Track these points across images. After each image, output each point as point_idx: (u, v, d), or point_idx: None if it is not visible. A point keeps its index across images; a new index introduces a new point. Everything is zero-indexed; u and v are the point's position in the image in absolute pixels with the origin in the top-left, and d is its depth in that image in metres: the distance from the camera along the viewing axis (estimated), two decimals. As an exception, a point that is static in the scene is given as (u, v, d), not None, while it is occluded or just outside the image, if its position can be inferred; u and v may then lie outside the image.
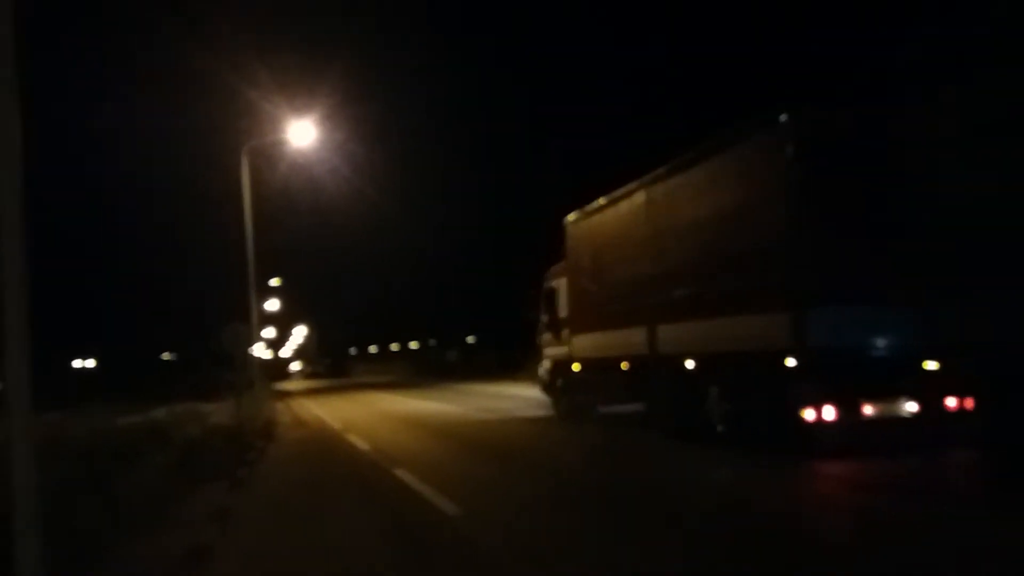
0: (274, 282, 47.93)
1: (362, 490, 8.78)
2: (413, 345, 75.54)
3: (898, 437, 8.65)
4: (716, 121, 13.05)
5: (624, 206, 12.78)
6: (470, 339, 60.27)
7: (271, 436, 14.98)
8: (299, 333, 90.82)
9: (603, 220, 13.73)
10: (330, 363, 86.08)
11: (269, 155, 22.25)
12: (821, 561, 4.95)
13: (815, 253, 8.53)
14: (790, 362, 8.57)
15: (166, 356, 73.66)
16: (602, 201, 13.61)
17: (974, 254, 7.83)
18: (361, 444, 13.12)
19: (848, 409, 8.44)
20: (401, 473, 9.23)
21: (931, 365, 8.60)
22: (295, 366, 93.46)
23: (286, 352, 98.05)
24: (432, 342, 67.76)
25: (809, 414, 8.37)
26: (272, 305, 50.16)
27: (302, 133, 19.90)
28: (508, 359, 35.68)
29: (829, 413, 8.37)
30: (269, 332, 56.40)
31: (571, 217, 14.94)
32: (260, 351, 38.77)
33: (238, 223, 20.82)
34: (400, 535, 6.38)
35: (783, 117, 8.78)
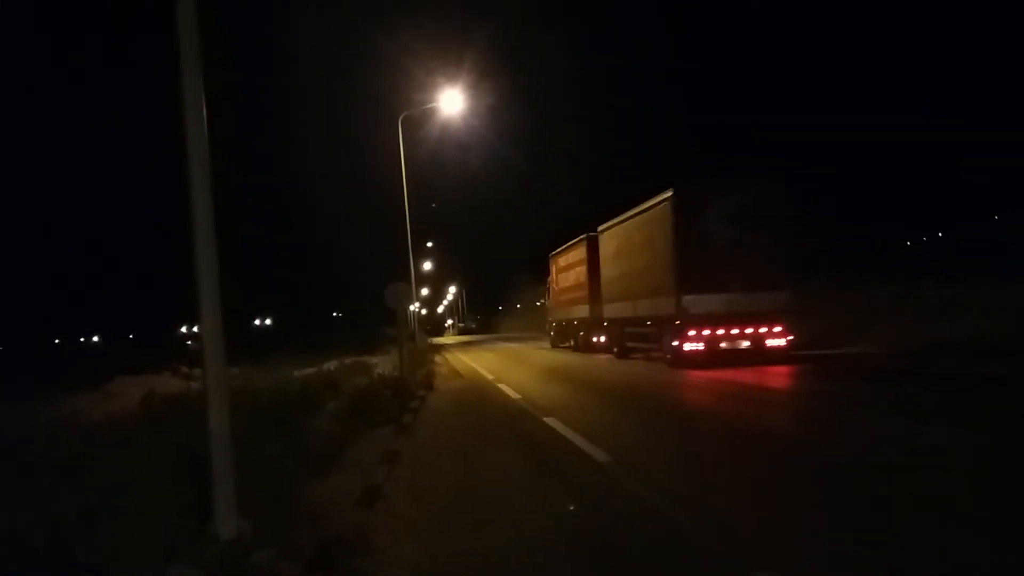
0: (428, 244, 49.85)
1: (517, 436, 9.09)
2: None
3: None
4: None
5: (563, 255, 28.65)
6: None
7: (431, 386, 15.75)
8: (451, 291, 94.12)
9: (558, 259, 29.32)
10: (479, 319, 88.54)
11: (422, 123, 23.06)
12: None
13: (592, 290, 23.87)
14: (591, 322, 24.68)
15: (335, 314, 78.62)
16: (568, 244, 27.68)
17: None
18: (512, 393, 13.55)
19: (621, 345, 21.59)
20: (551, 422, 9.53)
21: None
22: (448, 322, 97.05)
23: (440, 309, 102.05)
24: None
25: (604, 345, 23.69)
26: (427, 265, 52.28)
27: (452, 101, 20.45)
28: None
29: (608, 344, 23.10)
30: (425, 290, 58.89)
31: (552, 254, 30.31)
32: (417, 308, 40.64)
33: (396, 190, 21.82)
34: (554, 477, 6.60)
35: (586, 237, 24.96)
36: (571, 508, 5.56)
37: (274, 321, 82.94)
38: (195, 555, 4.23)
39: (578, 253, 25.66)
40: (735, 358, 16.20)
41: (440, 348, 38.74)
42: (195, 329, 4.98)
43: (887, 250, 32.70)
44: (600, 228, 22.70)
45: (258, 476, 5.32)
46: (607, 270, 22.23)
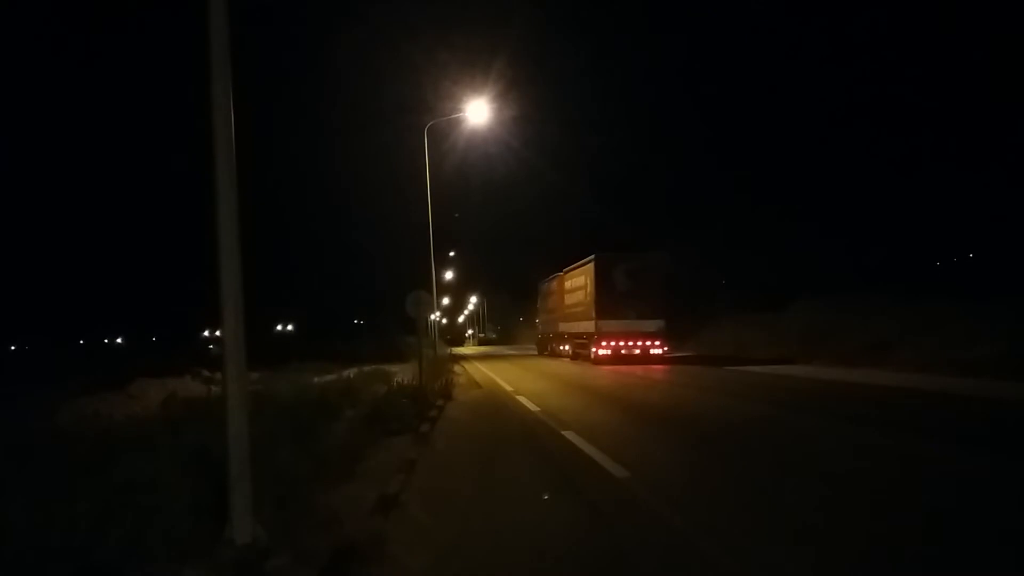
0: (450, 253, 50.05)
1: (534, 449, 9.02)
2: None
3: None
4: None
5: (545, 285, 37.71)
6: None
7: (449, 395, 15.72)
8: (472, 301, 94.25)
9: (543, 288, 38.27)
10: (500, 329, 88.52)
11: (448, 133, 23.20)
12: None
13: (560, 313, 33.84)
14: (559, 335, 35.33)
15: (356, 321, 78.96)
16: (548, 278, 36.19)
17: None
18: (530, 405, 13.48)
19: (573, 351, 31.08)
20: (570, 435, 9.47)
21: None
22: (469, 332, 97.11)
23: (461, 319, 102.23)
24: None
25: (565, 352, 33.09)
26: (449, 275, 52.45)
27: (478, 111, 20.51)
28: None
29: (567, 350, 32.64)
30: (446, 300, 59.05)
31: (540, 284, 39.20)
32: (438, 317, 40.73)
33: (420, 199, 21.93)
34: (571, 492, 6.54)
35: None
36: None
37: (295, 327, 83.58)
38: (210, 558, 4.23)
39: (553, 286, 34.94)
40: (631, 359, 26.12)
41: (460, 358, 38.77)
42: (218, 333, 4.98)
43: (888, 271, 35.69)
44: (564, 271, 32.43)
45: (275, 481, 5.33)
46: (566, 300, 31.78)
